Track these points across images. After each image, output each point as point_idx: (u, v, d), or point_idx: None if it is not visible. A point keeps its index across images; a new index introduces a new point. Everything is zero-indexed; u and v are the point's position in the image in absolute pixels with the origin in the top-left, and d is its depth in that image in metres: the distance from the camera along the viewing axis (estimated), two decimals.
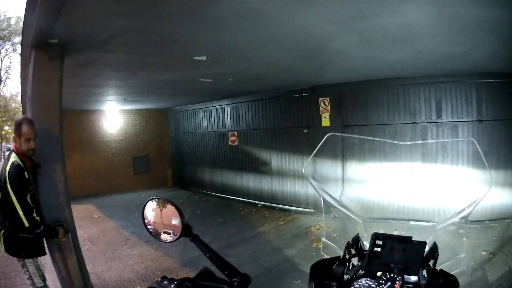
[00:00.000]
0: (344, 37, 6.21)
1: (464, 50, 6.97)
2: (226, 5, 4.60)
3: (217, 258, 2.06)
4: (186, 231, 2.24)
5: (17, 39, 39.93)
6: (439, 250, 2.12)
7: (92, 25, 5.13)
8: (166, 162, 19.55)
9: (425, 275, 2.11)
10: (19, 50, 39.78)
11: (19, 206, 4.18)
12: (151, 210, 2.42)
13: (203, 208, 13.84)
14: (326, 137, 3.20)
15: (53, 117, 5.45)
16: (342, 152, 11.37)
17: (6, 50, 40.91)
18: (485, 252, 7.56)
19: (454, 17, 5.09)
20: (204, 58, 7.34)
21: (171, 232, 2.34)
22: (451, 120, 9.80)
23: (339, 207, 2.94)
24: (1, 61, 41.68)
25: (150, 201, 2.39)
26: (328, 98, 11.68)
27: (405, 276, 2.11)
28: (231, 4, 4.57)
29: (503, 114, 9.31)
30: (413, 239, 1.95)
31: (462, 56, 7.47)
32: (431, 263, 2.11)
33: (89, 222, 11.63)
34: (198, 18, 5.05)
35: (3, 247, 4.54)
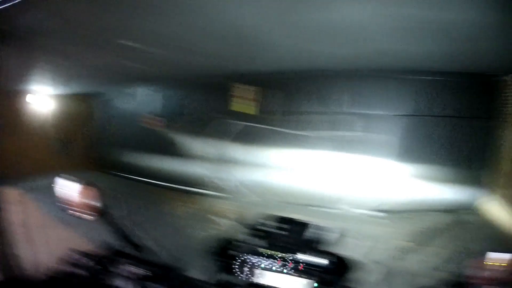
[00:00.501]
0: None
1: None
2: None
3: (127, 237, 2.30)
4: (99, 210, 2.46)
5: None
6: (350, 238, 2.24)
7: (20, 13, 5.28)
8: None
9: (319, 258, 2.43)
10: None
11: None
12: (64, 187, 2.60)
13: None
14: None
15: None
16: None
17: None
18: (405, 242, 8.00)
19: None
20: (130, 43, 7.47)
21: (83, 209, 2.55)
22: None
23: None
24: None
25: (61, 179, 2.55)
26: None
27: (299, 256, 2.40)
28: None
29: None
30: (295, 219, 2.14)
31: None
32: (331, 248, 2.39)
33: (13, 206, 11.11)
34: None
35: None
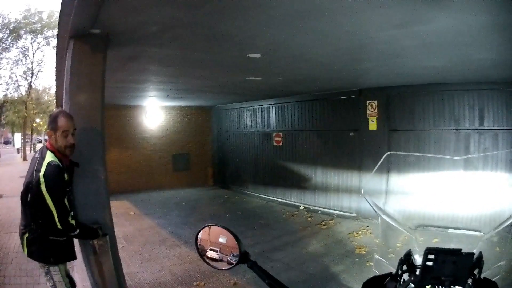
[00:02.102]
0: (401, 41, 6.00)
1: (509, 58, 6.71)
2: (291, 2, 4.35)
3: (277, 285, 1.98)
4: (243, 257, 2.19)
5: (50, 32, 40.48)
6: (484, 259, 2.09)
7: (140, 16, 4.78)
8: (207, 160, 19.34)
9: (471, 284, 2.04)
10: (52, 43, 40.65)
11: (55, 210, 3.78)
12: (205, 235, 2.38)
13: (244, 209, 13.54)
14: (385, 156, 3.02)
15: (94, 114, 5.11)
16: (388, 162, 11.01)
17: (38, 43, 41.49)
18: None
19: (504, 25, 4.91)
20: (258, 55, 7.07)
21: (224, 258, 2.30)
22: (492, 128, 9.57)
23: (387, 219, 2.81)
24: (33, 54, 42.38)
25: (205, 227, 2.36)
26: (375, 101, 11.41)
27: (453, 287, 1.99)
28: (297, 1, 4.32)
29: None
30: (462, 251, 1.91)
31: (505, 64, 7.20)
32: (476, 271, 2.05)
33: (124, 220, 11.45)
34: (259, 14, 4.79)
35: (26, 252, 4.09)
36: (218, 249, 2.31)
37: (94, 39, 5.20)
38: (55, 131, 3.94)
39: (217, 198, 15.56)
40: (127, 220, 11.53)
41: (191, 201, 14.71)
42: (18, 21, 38.39)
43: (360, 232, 9.85)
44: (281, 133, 15.09)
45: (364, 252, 8.36)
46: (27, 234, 4.02)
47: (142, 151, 17.26)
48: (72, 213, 3.98)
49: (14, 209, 10.84)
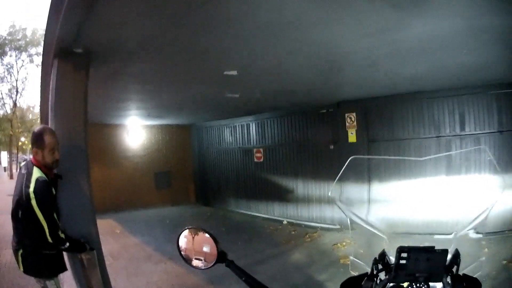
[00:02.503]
0: (375, 50, 6.14)
1: (487, 61, 6.91)
2: (263, 17, 4.51)
3: (253, 282, 2.12)
4: (221, 257, 2.34)
5: (34, 50, 40.47)
6: (461, 257, 2.21)
7: (120, 32, 4.94)
8: (189, 178, 19.36)
9: (449, 281, 2.16)
10: (36, 61, 40.66)
11: (45, 225, 3.81)
12: (185, 238, 2.51)
13: (227, 225, 13.56)
14: (349, 160, 3.17)
15: (78, 129, 5.22)
16: (368, 170, 11.26)
17: (23, 61, 41.36)
18: (505, 261, 7.60)
19: (481, 29, 5.05)
20: (235, 72, 7.21)
21: (203, 258, 2.43)
22: (474, 133, 9.78)
23: (365, 226, 2.92)
24: (18, 71, 42.18)
25: (185, 230, 2.48)
26: (354, 114, 11.57)
27: (430, 283, 2.15)
28: (268, 15, 4.48)
29: None
30: (435, 248, 2.01)
31: (484, 67, 7.40)
32: (454, 269, 2.18)
33: (109, 237, 11.43)
34: (234, 29, 4.96)
35: (22, 268, 4.13)
36: (203, 258, 2.42)
37: (77, 57, 5.34)
38: (42, 148, 3.98)
39: (200, 215, 15.70)
40: (113, 237, 11.54)
41: (174, 218, 14.72)
42: (3, 37, 38.18)
43: (344, 243, 9.95)
44: (261, 149, 15.21)
45: (348, 262, 8.44)
46: (21, 250, 4.06)
47: (124, 169, 17.22)
48: (60, 228, 4.00)
49: (2, 226, 10.83)
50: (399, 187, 10.58)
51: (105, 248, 6.89)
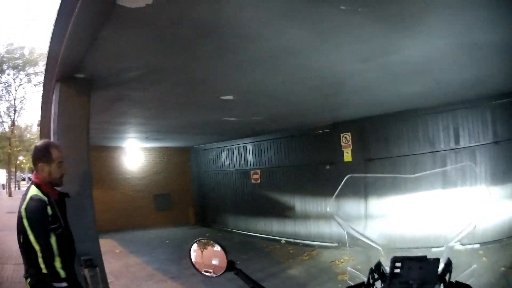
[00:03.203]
0: (369, 73, 6.33)
1: (479, 75, 7.04)
2: (259, 46, 4.69)
3: None
4: (230, 266, 2.44)
5: (32, 69, 39.92)
6: (453, 265, 2.24)
7: (122, 62, 5.15)
8: (188, 200, 19.40)
9: None
10: (34, 80, 40.15)
11: (38, 248, 3.33)
12: (196, 249, 2.63)
13: (226, 245, 13.46)
14: (346, 179, 3.35)
15: (81, 152, 5.41)
16: (365, 187, 11.38)
17: (21, 80, 40.91)
18: (503, 268, 7.71)
19: (471, 45, 5.19)
20: (231, 97, 7.45)
21: (214, 267, 2.56)
22: (469, 145, 9.93)
23: (363, 239, 3.05)
24: (16, 90, 41.80)
25: (196, 242, 2.60)
26: (349, 134, 11.83)
27: None
28: (264, 44, 4.65)
29: None
30: (427, 257, 2.07)
31: (477, 81, 7.54)
32: (447, 277, 2.22)
33: (110, 257, 11.36)
34: (230, 58, 5.14)
35: None
36: (213, 267, 2.56)
37: (79, 82, 5.55)
38: (49, 163, 3.69)
39: (200, 236, 15.10)
40: (113, 257, 11.56)
41: (174, 239, 14.75)
42: (1, 55, 37.96)
43: (342, 260, 10.05)
44: (258, 171, 15.44)
45: (346, 278, 8.50)
46: (29, 279, 3.55)
47: (124, 191, 17.31)
48: (60, 258, 3.46)
49: (2, 242, 10.90)
50: (394, 203, 10.70)
51: (106, 267, 7.06)
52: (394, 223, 10.41)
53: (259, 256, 11.70)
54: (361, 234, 3.10)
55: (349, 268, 2.96)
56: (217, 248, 2.56)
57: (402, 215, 10.47)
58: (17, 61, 39.36)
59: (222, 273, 2.47)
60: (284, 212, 14.05)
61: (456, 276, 2.23)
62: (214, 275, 2.55)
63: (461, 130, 9.98)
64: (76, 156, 5.29)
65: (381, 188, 11.05)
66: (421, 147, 10.61)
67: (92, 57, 4.72)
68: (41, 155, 3.73)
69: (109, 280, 8.64)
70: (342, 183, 3.13)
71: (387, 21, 4.28)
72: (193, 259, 2.65)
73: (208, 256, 2.64)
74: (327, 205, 12.10)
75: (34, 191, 3.56)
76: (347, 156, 11.86)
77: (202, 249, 2.67)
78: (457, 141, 10.05)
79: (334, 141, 12.18)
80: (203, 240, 2.63)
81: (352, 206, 11.05)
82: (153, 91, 6.91)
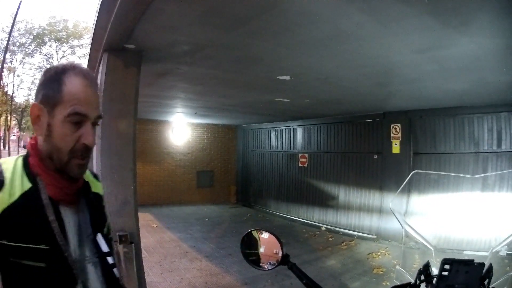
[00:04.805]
0: (422, 65, 6.14)
1: None
2: (319, 27, 4.51)
3: (314, 285, 2.08)
4: (284, 259, 2.31)
5: (76, 41, 40.55)
6: (493, 271, 2.11)
7: (175, 34, 4.98)
8: (231, 178, 19.46)
9: None
10: (77, 52, 40.80)
11: None
12: (250, 239, 2.53)
13: (266, 227, 13.31)
14: (411, 175, 3.17)
15: (126, 125, 5.28)
16: (427, 185, 10.95)
17: (64, 51, 41.43)
18: None
19: None
20: (287, 77, 7.26)
21: (267, 259, 2.44)
22: (509, 150, 9.58)
23: (418, 238, 2.89)
24: (58, 62, 42.19)
25: (251, 231, 2.51)
26: (399, 125, 11.47)
27: None
28: (325, 26, 4.48)
29: None
30: (474, 261, 1.99)
31: None
32: (486, 282, 2.09)
33: (146, 231, 11.48)
34: (288, 38, 4.97)
35: None
36: (266, 259, 2.44)
37: (128, 53, 5.41)
38: (52, 107, 1.49)
39: (240, 216, 15.64)
40: (149, 232, 11.62)
41: (213, 217, 14.81)
42: (42, 27, 38.26)
43: (379, 253, 9.89)
44: (306, 154, 15.23)
45: (381, 272, 8.41)
46: None
47: (167, 166, 17.42)
48: None
49: None
50: (450, 203, 10.36)
51: (141, 242, 7.07)
52: (447, 223, 10.09)
53: (297, 241, 11.57)
54: (417, 233, 2.96)
55: (397, 267, 2.81)
56: (273, 239, 2.45)
57: (455, 215, 10.13)
58: (60, 33, 39.87)
59: (275, 267, 2.35)
60: (327, 198, 13.90)
61: (493, 281, 2.10)
62: (266, 268, 2.45)
63: (504, 134, 9.65)
64: (121, 129, 5.19)
65: (442, 186, 10.66)
66: (466, 147, 10.30)
67: (143, 28, 4.58)
68: (45, 86, 1.54)
69: (142, 256, 8.68)
70: (408, 178, 2.99)
71: (445, 15, 4.10)
72: (245, 249, 2.53)
73: (262, 247, 2.52)
74: (371, 196, 12.05)
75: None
76: (395, 148, 11.54)
77: (256, 239, 2.57)
78: (499, 144, 9.74)
79: (383, 131, 11.90)
80: (258, 230, 2.53)
81: (412, 203, 10.78)
82: (205, 67, 6.75)
